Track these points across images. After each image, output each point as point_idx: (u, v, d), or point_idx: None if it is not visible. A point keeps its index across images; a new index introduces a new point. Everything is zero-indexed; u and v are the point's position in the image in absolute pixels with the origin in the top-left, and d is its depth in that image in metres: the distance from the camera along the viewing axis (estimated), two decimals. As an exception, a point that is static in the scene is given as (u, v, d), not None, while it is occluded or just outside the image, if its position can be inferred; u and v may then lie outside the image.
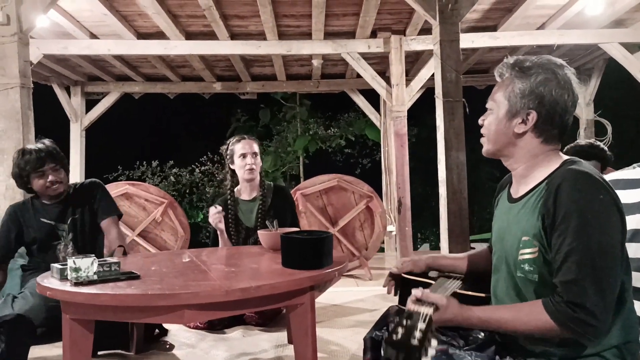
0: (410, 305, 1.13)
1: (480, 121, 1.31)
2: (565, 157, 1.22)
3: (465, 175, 3.35)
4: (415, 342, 0.98)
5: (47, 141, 2.54)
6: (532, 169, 1.23)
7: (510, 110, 1.22)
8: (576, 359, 1.11)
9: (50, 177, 2.44)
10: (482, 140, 1.31)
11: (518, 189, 1.26)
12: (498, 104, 1.25)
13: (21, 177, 2.45)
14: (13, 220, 2.47)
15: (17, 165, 2.45)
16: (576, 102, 1.21)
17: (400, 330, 1.02)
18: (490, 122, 1.27)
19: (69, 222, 2.49)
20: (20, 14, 2.98)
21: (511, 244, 1.21)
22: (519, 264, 1.18)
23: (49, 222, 2.48)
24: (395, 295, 1.57)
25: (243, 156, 2.79)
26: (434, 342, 1.00)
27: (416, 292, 1.16)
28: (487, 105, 1.29)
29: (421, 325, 1.03)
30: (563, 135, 1.23)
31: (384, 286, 1.57)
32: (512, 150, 1.25)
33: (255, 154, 2.81)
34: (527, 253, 1.15)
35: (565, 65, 1.22)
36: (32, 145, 2.50)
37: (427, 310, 1.09)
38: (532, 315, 1.09)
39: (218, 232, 2.72)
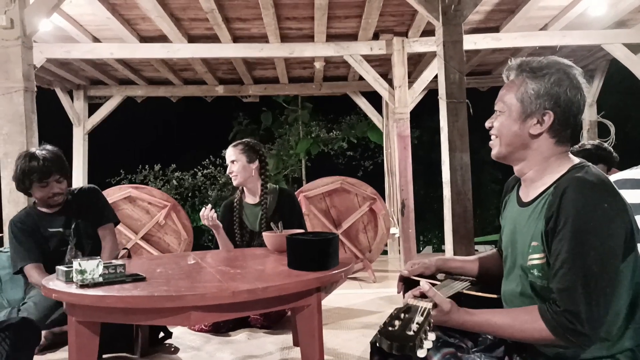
0: (410, 300, 1.12)
1: (487, 124, 1.28)
2: (575, 160, 1.20)
3: (470, 177, 3.35)
4: (410, 333, 0.97)
5: (52, 148, 2.45)
6: (542, 173, 1.21)
7: (524, 112, 1.20)
8: (588, 361, 1.10)
9: (54, 189, 2.38)
10: (492, 143, 1.27)
11: (528, 193, 1.24)
12: (509, 105, 1.22)
13: (23, 182, 2.36)
14: (24, 231, 2.39)
15: (21, 170, 2.34)
16: (586, 102, 1.20)
17: (396, 322, 1.01)
18: (502, 124, 1.24)
19: (72, 227, 2.49)
20: (24, 17, 2.99)
21: (521, 249, 1.21)
22: (528, 269, 1.17)
23: (57, 229, 2.46)
24: (404, 297, 1.56)
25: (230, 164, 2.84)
26: (431, 335, 0.99)
27: (424, 284, 1.15)
28: (496, 108, 1.26)
29: (419, 318, 1.03)
30: (574, 136, 1.21)
31: (399, 292, 1.56)
32: (525, 153, 1.22)
33: (233, 161, 2.80)
34: (536, 258, 1.14)
35: (574, 65, 1.21)
36: (39, 152, 2.38)
37: (425, 305, 1.09)
38: (528, 322, 1.09)
39: (214, 232, 2.68)
